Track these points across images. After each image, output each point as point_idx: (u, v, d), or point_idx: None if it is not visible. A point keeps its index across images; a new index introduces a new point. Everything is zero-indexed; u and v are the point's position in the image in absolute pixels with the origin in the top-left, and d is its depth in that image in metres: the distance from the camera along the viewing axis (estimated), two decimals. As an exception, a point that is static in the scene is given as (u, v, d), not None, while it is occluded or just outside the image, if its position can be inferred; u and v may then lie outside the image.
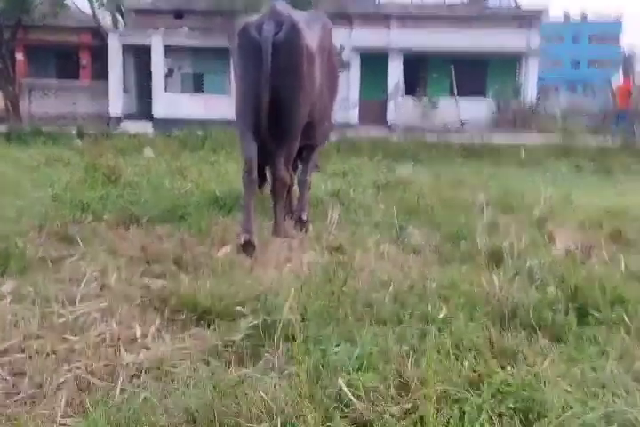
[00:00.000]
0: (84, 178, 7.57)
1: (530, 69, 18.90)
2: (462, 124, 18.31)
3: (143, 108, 19.47)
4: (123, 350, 2.60)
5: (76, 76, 19.61)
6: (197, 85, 19.61)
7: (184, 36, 18.56)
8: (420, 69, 19.33)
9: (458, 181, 8.21)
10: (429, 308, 2.88)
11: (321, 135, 5.25)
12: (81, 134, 16.08)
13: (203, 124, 16.93)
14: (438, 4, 19.94)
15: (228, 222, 5.17)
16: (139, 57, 18.95)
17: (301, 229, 4.92)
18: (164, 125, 17.55)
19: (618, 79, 28.76)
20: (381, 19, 18.96)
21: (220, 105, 18.85)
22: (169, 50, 18.74)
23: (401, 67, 19.13)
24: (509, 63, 19.15)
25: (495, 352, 2.48)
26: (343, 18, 18.93)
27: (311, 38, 4.42)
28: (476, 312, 2.86)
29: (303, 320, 2.68)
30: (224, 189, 6.94)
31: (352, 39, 18.92)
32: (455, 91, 18.88)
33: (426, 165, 11.13)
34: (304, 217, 4.98)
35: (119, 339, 2.69)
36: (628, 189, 8.12)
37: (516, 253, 3.86)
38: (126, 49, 18.79)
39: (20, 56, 18.58)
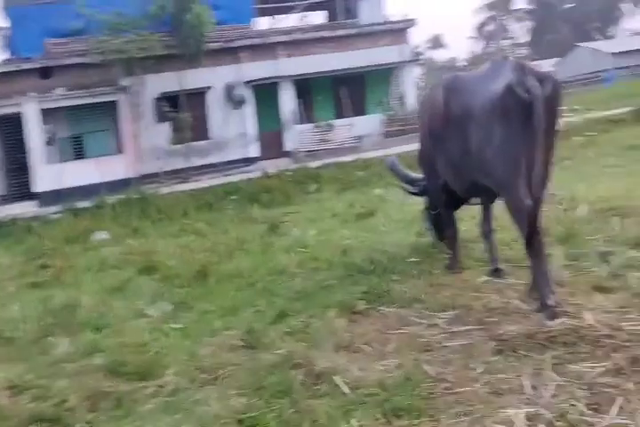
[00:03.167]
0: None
1: (407, 78, 20.37)
2: (359, 141, 19.27)
3: (18, 187, 17.15)
4: None
5: None
6: (80, 149, 17.81)
7: (59, 97, 16.77)
8: (305, 94, 19.74)
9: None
10: None
11: None
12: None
13: (97, 190, 15.53)
14: (317, 26, 20.65)
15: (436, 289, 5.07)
16: (5, 128, 16.66)
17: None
18: (53, 200, 15.72)
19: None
20: (268, 48, 19.04)
21: (113, 166, 17.41)
22: (44, 114, 16.78)
23: (292, 94, 19.39)
24: (386, 76, 20.40)
25: None
26: (230, 54, 18.67)
27: None
28: None
29: None
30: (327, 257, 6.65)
31: (242, 74, 18.75)
32: (349, 110, 19.70)
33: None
34: None
35: None
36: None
37: None
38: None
39: None
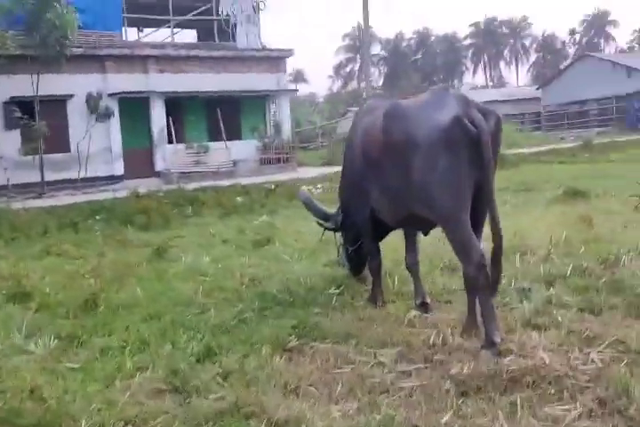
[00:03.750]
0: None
1: (283, 107, 20.35)
2: (233, 166, 18.82)
3: None
4: None
5: None
6: None
7: None
8: (177, 113, 18.93)
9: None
10: None
11: None
12: None
13: None
14: (192, 45, 19.90)
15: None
16: None
17: None
18: None
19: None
20: (137, 61, 17.93)
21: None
22: None
23: (163, 111, 18.44)
24: (261, 103, 20.25)
25: None
26: (95, 62, 17.31)
27: None
28: None
29: None
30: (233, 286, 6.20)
31: (108, 85, 17.44)
32: (223, 134, 19.17)
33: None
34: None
35: None
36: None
37: None
38: None
39: None
